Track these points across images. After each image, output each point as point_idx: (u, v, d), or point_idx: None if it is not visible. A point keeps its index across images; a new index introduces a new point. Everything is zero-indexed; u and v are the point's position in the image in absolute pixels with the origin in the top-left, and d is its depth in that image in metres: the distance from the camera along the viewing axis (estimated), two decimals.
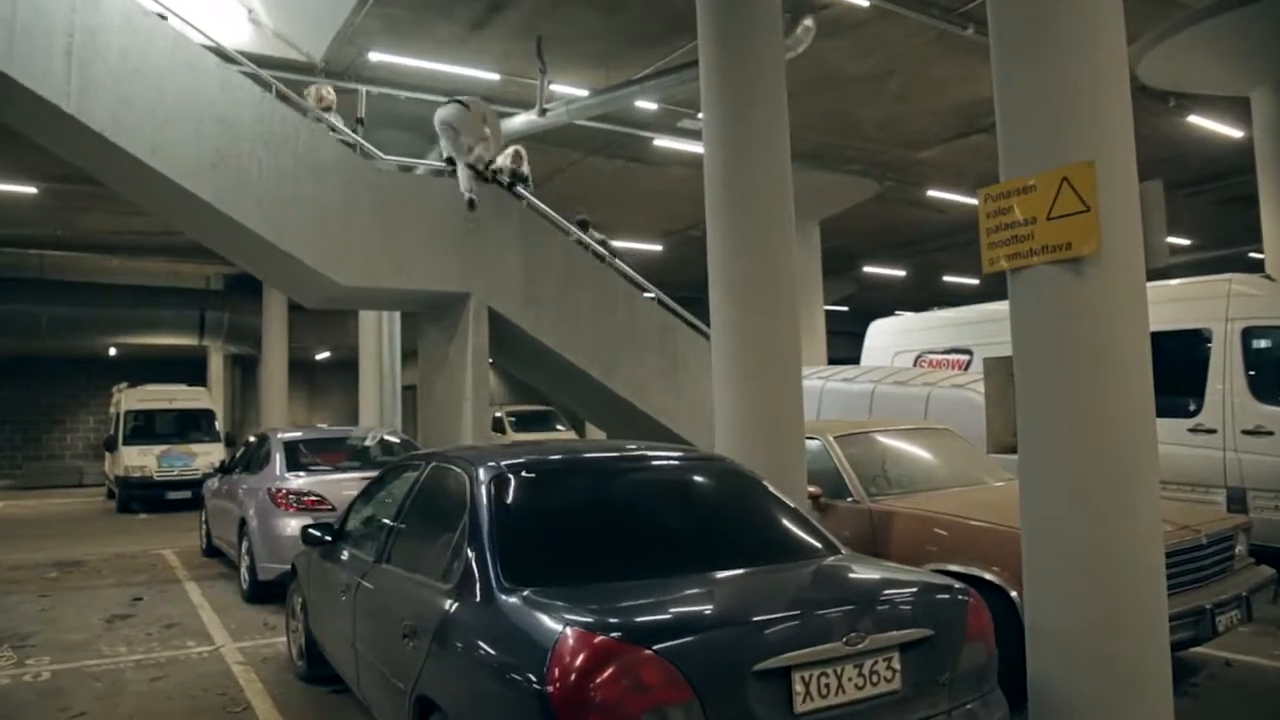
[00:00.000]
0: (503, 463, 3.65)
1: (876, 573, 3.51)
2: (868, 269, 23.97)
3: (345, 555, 4.76)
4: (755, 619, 2.78)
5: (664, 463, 4.02)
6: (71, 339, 21.74)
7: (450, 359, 10.45)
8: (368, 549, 4.45)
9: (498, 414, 21.42)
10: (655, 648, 2.54)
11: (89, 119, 8.17)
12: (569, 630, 2.60)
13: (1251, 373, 7.80)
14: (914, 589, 3.19)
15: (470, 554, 3.25)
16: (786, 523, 3.75)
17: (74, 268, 21.15)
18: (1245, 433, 7.70)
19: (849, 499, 5.61)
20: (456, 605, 3.19)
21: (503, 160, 10.85)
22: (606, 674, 2.47)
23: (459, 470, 3.78)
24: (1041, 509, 3.77)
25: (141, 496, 16.92)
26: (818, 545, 3.61)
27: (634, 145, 14.58)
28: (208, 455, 16.89)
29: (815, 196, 16.36)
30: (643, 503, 3.62)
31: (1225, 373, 7.90)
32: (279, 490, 7.93)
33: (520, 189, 10.62)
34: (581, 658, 2.51)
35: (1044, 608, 3.74)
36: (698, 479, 3.93)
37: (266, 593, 7.84)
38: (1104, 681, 3.55)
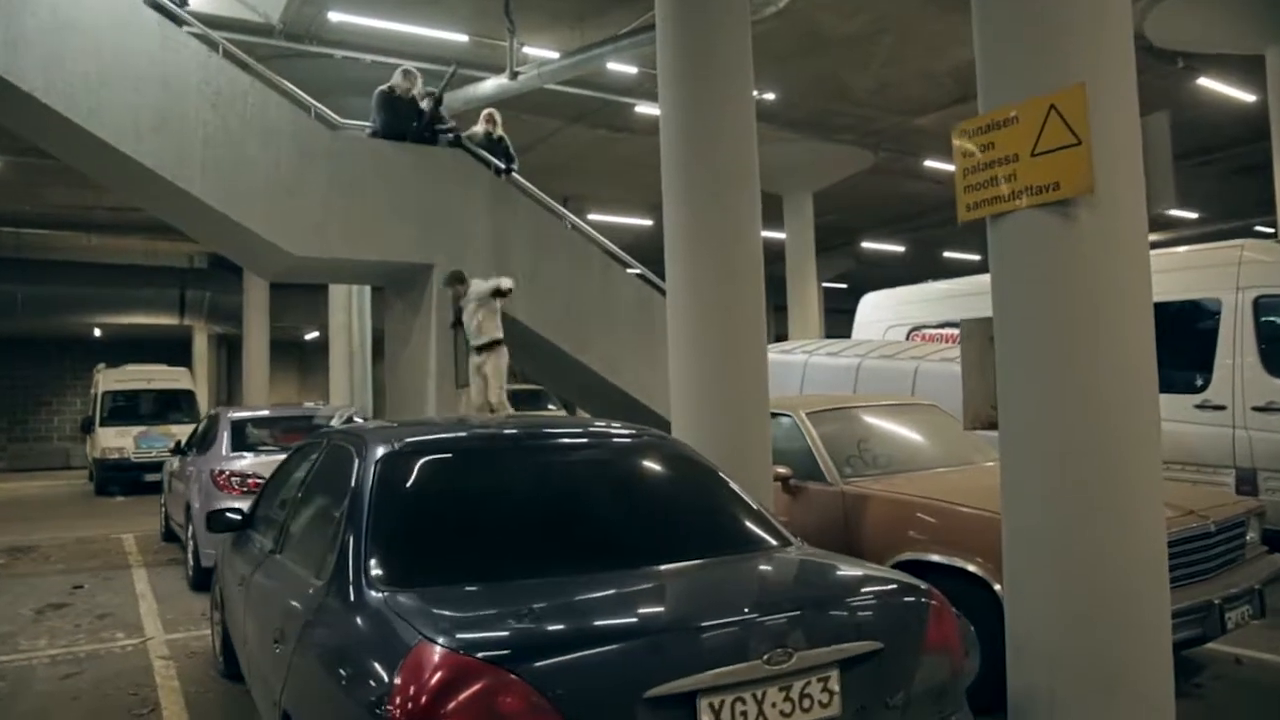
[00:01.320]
0: (398, 442, 3.13)
1: (820, 572, 2.99)
2: (866, 244, 23.36)
3: (252, 543, 4.26)
4: (655, 632, 2.27)
5: (592, 443, 3.47)
6: (49, 318, 21.29)
7: (414, 334, 9.94)
8: (269, 537, 3.95)
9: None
10: (520, 669, 2.03)
11: (19, 79, 7.63)
12: (421, 645, 2.09)
13: (1264, 345, 7.24)
14: (862, 591, 2.69)
15: (343, 546, 2.74)
16: (729, 511, 3.22)
17: (50, 246, 20.67)
18: (1256, 409, 7.16)
19: (821, 481, 5.09)
20: (323, 606, 2.68)
21: (476, 127, 10.31)
22: (457, 700, 1.97)
23: (350, 449, 3.26)
24: (1024, 494, 3.25)
25: (119, 478, 16.49)
26: (763, 538, 3.08)
27: (616, 113, 13.97)
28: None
29: (808, 167, 15.81)
30: (557, 489, 3.08)
31: (1235, 345, 7.34)
32: (220, 471, 7.45)
33: (506, 166, 10.04)
34: (430, 678, 2.01)
35: (1026, 609, 3.23)
36: (628, 462, 3.38)
37: (209, 580, 7.36)
38: (1095, 695, 3.05)
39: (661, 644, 2.21)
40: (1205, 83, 12.99)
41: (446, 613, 2.30)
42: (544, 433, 3.47)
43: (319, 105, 9.40)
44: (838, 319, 18.75)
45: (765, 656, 2.19)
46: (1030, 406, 3.20)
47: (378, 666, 2.16)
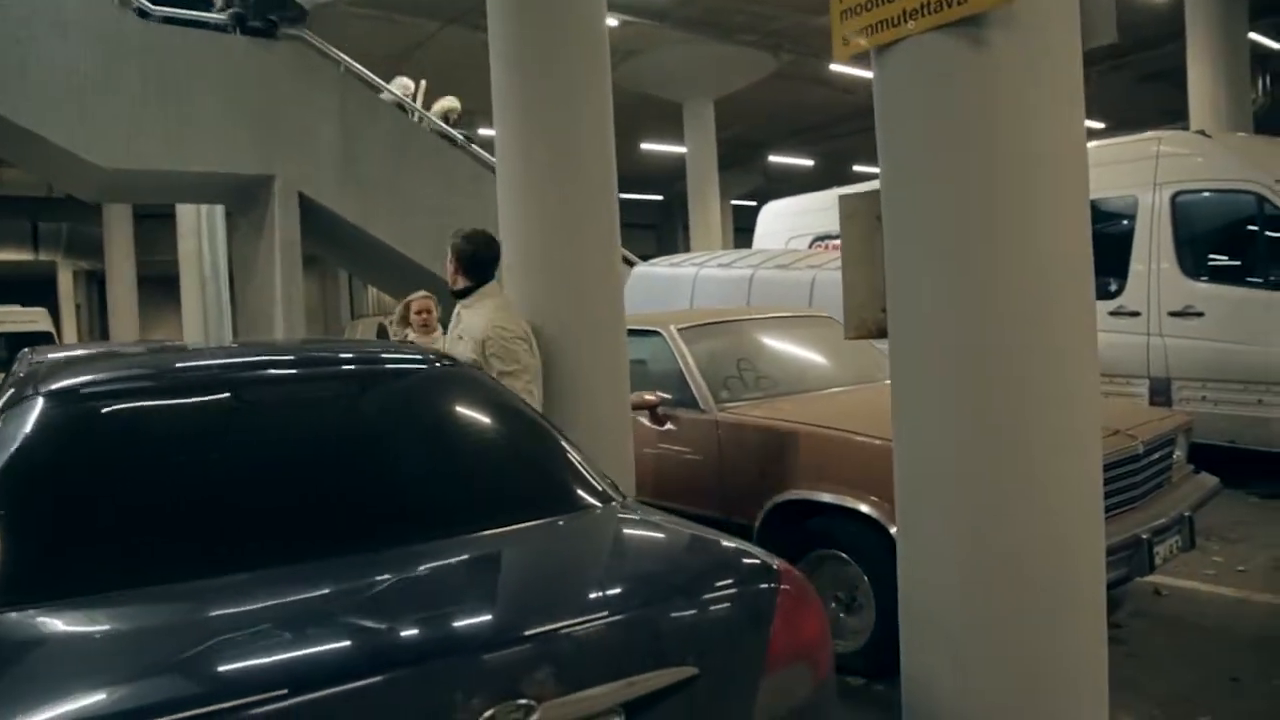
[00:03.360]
0: (28, 387, 2.13)
1: (622, 551, 2.18)
2: (774, 159, 22.53)
3: None
4: (316, 687, 1.39)
5: (341, 376, 2.52)
6: None
7: (259, 256, 8.79)
8: None
9: (384, 321, 19.50)
10: None
11: None
12: None
13: (1181, 246, 6.70)
14: (675, 582, 1.86)
15: None
16: (529, 463, 2.37)
17: None
18: (1172, 314, 6.65)
19: (693, 408, 4.29)
20: None
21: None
22: None
23: None
24: (920, 418, 2.49)
25: None
26: (570, 498, 2.22)
27: None
28: None
29: (707, 72, 14.84)
30: (269, 445, 2.10)
31: (1152, 246, 6.79)
32: None
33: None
34: None
35: (922, 565, 2.50)
36: (391, 401, 2.40)
37: None
38: (1007, 678, 2.34)
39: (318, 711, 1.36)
40: None
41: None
42: (267, 364, 2.47)
43: None
44: (747, 238, 17.96)
45: (488, 715, 1.37)
46: (929, 305, 2.41)
47: None
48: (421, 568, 1.84)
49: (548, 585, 1.82)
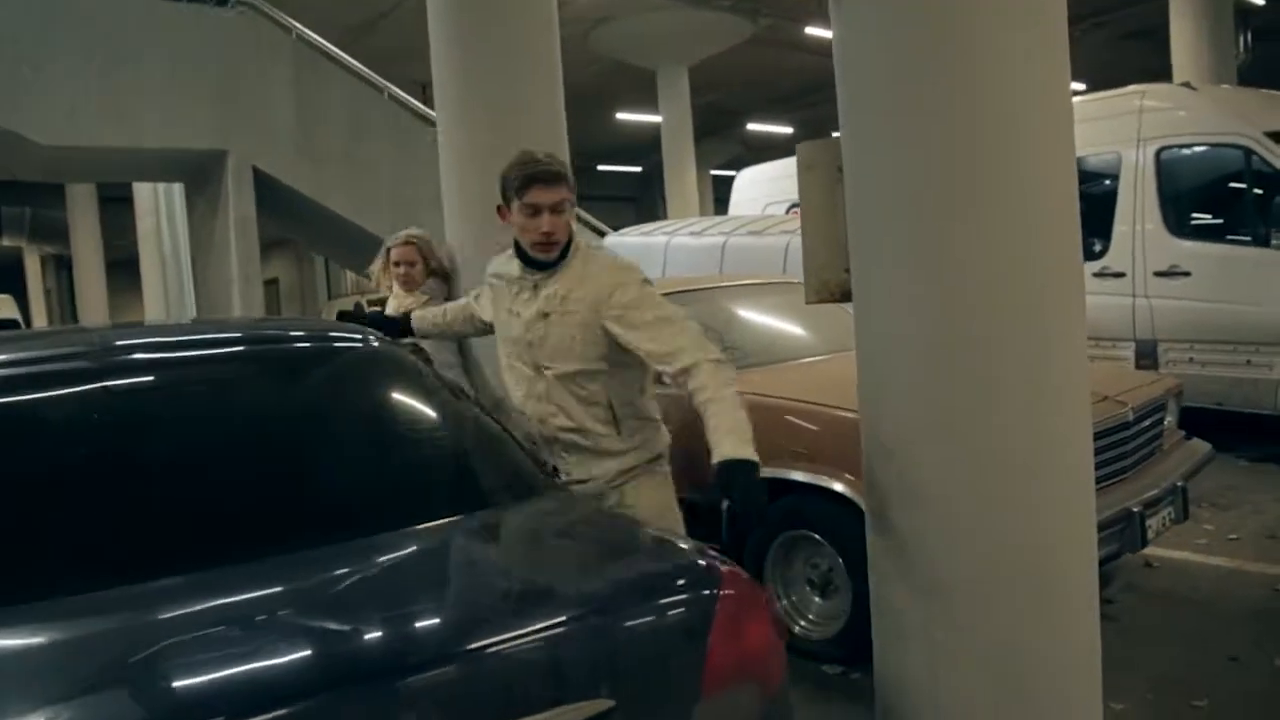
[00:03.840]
0: None
1: (536, 555, 1.89)
2: (752, 127, 22.16)
3: None
4: None
5: (226, 359, 2.22)
6: None
7: (215, 234, 8.46)
8: None
9: (360, 300, 19.08)
10: None
11: None
12: None
13: (1167, 203, 6.47)
14: (592, 592, 1.59)
15: None
16: (448, 450, 2.12)
17: None
18: (1158, 274, 6.43)
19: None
20: None
21: None
22: None
23: None
24: (889, 390, 2.24)
25: None
26: (491, 489, 1.97)
27: None
28: None
29: (681, 37, 14.48)
30: (123, 438, 1.83)
31: (1136, 204, 6.56)
32: None
33: None
34: None
35: (897, 563, 2.27)
36: (286, 385, 2.12)
37: None
38: (996, 679, 2.12)
39: None
40: None
41: None
42: (139, 348, 2.15)
43: None
44: (727, 208, 17.71)
45: None
46: (897, 264, 2.16)
47: None
48: (282, 586, 1.55)
49: (431, 604, 1.53)
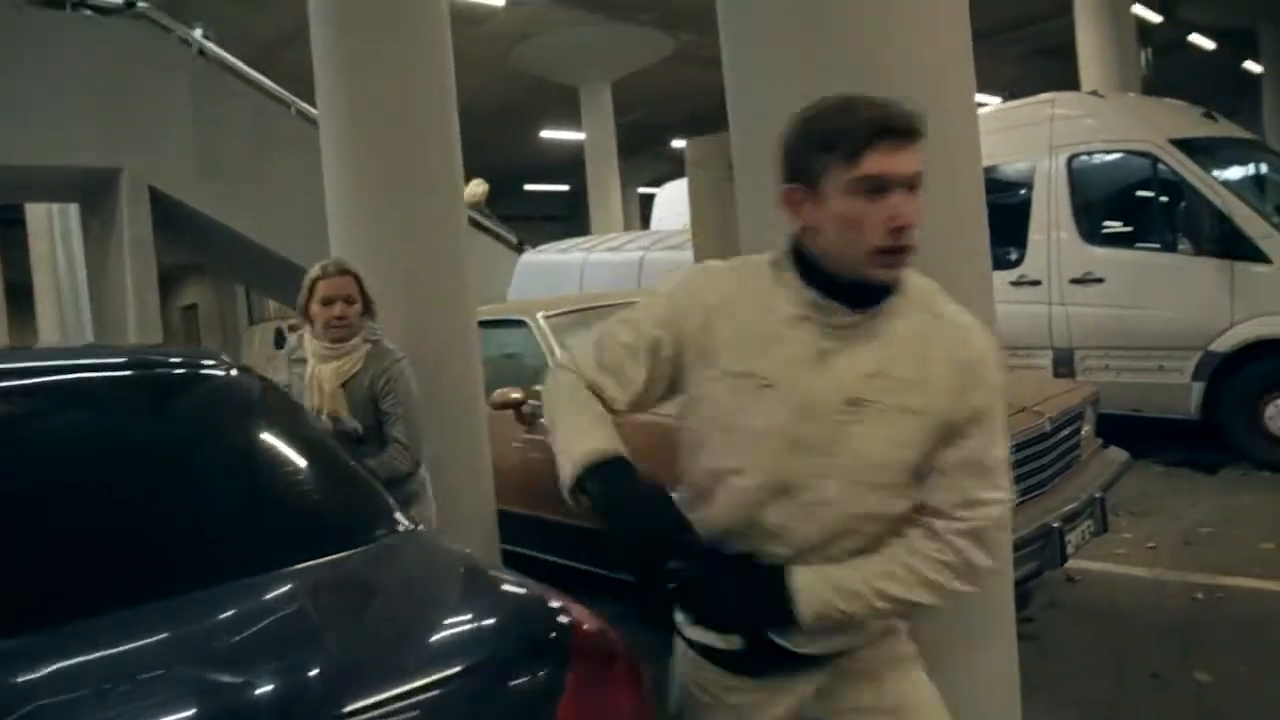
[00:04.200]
0: None
1: (349, 617, 1.63)
2: (678, 144, 22.20)
3: None
4: None
5: (51, 384, 1.90)
6: None
7: (110, 256, 8.01)
8: None
9: (281, 325, 18.08)
10: None
11: None
12: None
13: (1079, 210, 6.52)
14: (398, 669, 1.29)
15: None
16: (285, 488, 1.86)
17: None
18: (1073, 282, 6.46)
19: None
20: None
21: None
22: None
23: None
24: None
25: None
26: (332, 532, 1.72)
27: None
28: None
29: (604, 53, 14.36)
30: None
31: (1050, 212, 6.60)
32: None
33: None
34: None
35: None
36: (113, 414, 1.83)
37: None
38: None
39: None
40: None
41: None
42: None
43: None
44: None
45: None
46: None
47: None
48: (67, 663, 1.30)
49: (213, 688, 1.30)
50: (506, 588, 1.58)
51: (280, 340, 15.88)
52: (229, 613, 1.49)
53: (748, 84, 1.99)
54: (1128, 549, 4.47)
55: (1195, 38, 18.27)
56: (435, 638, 1.47)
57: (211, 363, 2.08)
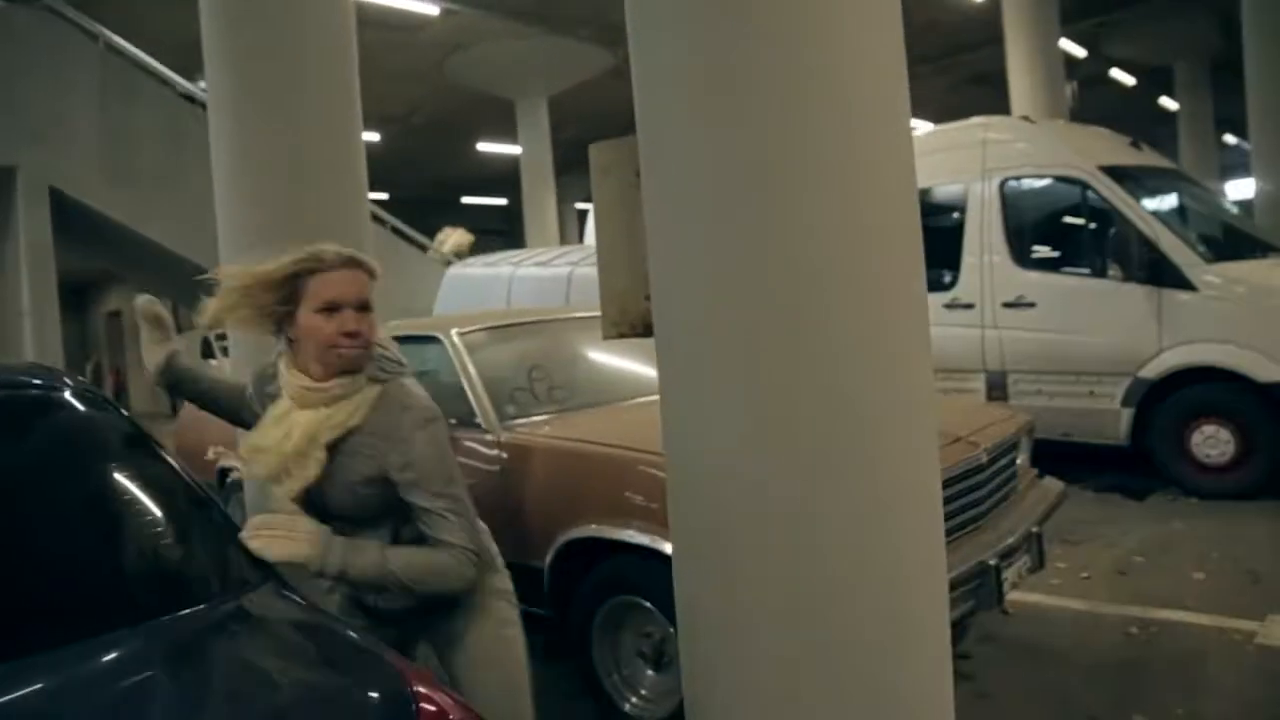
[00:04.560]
0: None
1: (170, 695, 1.33)
2: None
3: None
4: None
5: None
6: None
7: (5, 262, 7.50)
8: None
9: (208, 336, 16.49)
10: None
11: None
12: None
13: (1011, 234, 6.50)
14: None
15: None
16: (131, 535, 1.59)
17: None
18: (1006, 305, 6.43)
19: (475, 428, 3.57)
20: None
21: None
22: None
23: None
24: (692, 436, 1.87)
25: None
26: (145, 600, 1.45)
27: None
28: None
29: (540, 67, 14.20)
30: None
31: (982, 235, 6.58)
32: None
33: None
34: None
35: (700, 630, 1.89)
36: None
37: None
38: None
39: None
40: None
41: None
42: None
43: None
44: None
45: None
46: (708, 294, 1.79)
47: None
48: None
49: None
50: (348, 652, 1.33)
51: (207, 350, 14.78)
52: (35, 687, 1.22)
53: (654, 84, 1.78)
54: (1062, 579, 4.37)
55: (1116, 73, 18.89)
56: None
57: (39, 382, 1.79)
